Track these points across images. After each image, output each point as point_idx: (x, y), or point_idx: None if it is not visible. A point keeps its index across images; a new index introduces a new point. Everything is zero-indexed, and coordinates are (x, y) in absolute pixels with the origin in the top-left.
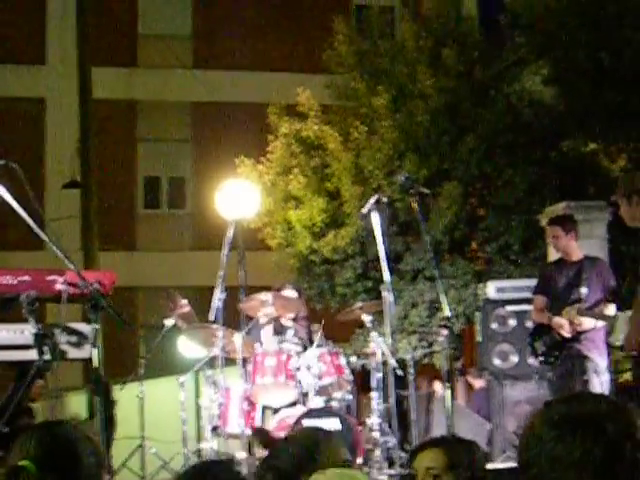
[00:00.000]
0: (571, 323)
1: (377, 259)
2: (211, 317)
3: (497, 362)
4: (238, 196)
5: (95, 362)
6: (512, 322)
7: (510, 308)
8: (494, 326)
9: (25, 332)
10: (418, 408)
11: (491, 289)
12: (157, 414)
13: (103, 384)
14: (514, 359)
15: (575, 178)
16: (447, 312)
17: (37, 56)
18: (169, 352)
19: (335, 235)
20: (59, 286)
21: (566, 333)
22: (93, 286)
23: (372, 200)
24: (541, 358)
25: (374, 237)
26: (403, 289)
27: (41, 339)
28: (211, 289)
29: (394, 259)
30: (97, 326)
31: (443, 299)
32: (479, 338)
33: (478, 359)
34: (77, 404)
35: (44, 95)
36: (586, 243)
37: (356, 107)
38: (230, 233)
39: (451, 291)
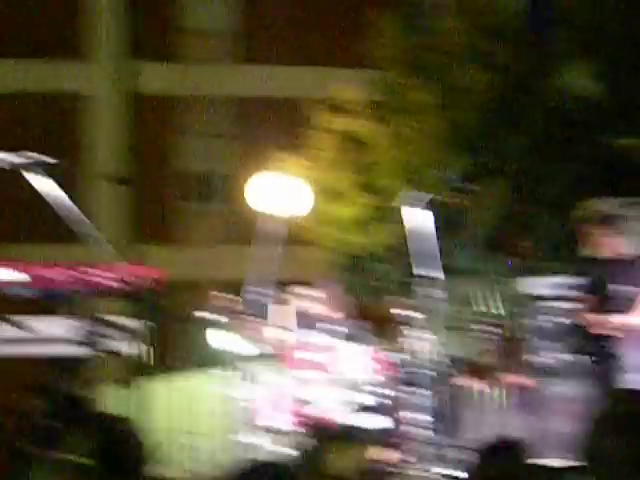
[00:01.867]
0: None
1: (423, 256)
2: (249, 310)
3: (543, 359)
4: (284, 192)
5: (144, 358)
6: (557, 319)
7: (555, 304)
8: (539, 323)
9: (74, 326)
10: (466, 406)
11: (535, 285)
12: (196, 408)
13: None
14: (560, 356)
15: (618, 174)
16: (500, 309)
17: (81, 51)
18: (199, 345)
19: (381, 231)
20: (107, 281)
21: (612, 332)
22: (145, 283)
23: (421, 198)
24: (587, 356)
25: (421, 234)
26: (452, 286)
27: (89, 334)
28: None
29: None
30: (149, 323)
31: (494, 296)
32: (524, 335)
33: (521, 357)
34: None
35: (90, 90)
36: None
37: (403, 103)
38: (266, 228)
39: (498, 288)
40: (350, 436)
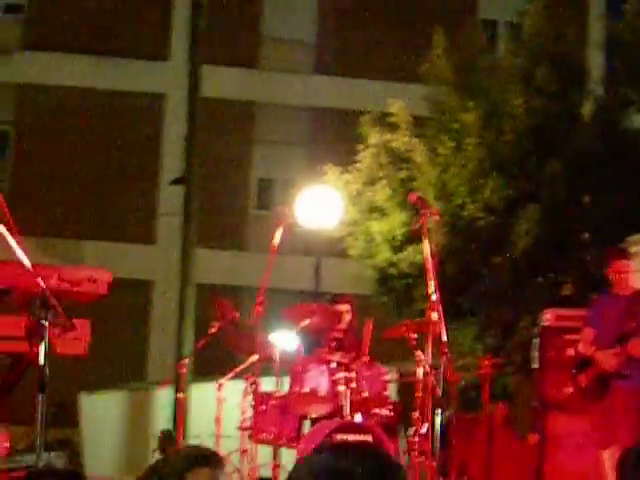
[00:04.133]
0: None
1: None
2: (255, 323)
3: (552, 391)
4: (320, 204)
5: (41, 360)
6: (570, 351)
7: (569, 337)
8: (551, 354)
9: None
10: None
11: (550, 316)
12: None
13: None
14: (569, 389)
15: None
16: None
17: (160, 52)
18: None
19: (414, 249)
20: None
21: (610, 368)
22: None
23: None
24: (583, 392)
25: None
26: (477, 310)
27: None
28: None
29: (473, 277)
30: (45, 323)
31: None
32: (535, 365)
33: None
34: None
35: (164, 91)
36: None
37: (447, 121)
38: (277, 237)
39: (527, 316)
40: None
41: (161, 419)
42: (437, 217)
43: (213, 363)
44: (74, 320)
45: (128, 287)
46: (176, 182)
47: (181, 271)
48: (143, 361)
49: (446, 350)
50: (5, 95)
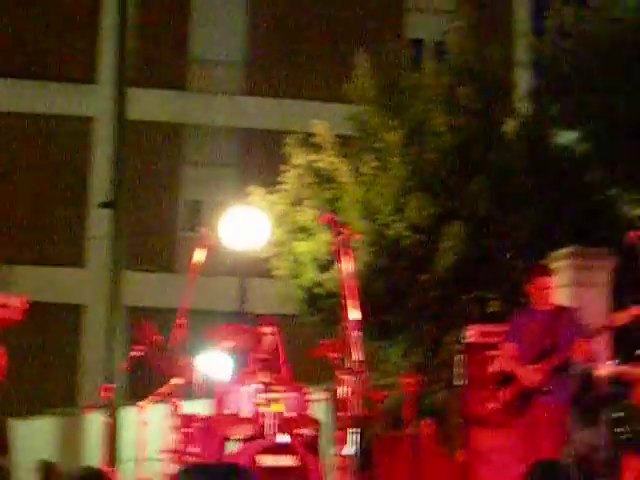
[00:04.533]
0: None
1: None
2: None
3: (475, 407)
4: (246, 224)
5: None
6: (492, 367)
7: (492, 353)
8: (474, 370)
9: None
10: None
11: (473, 332)
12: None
13: None
14: (492, 405)
15: (587, 222)
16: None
17: (88, 75)
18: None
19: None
20: None
21: (531, 384)
22: None
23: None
24: (506, 407)
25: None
26: (404, 327)
27: None
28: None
29: (399, 295)
30: None
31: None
32: (458, 382)
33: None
34: None
35: (92, 114)
36: (587, 290)
37: (371, 141)
38: (199, 258)
39: (453, 333)
40: None
41: (92, 444)
42: (357, 236)
43: (149, 386)
44: None
45: (59, 311)
46: (105, 205)
47: (109, 294)
48: (74, 386)
49: (362, 369)
50: None
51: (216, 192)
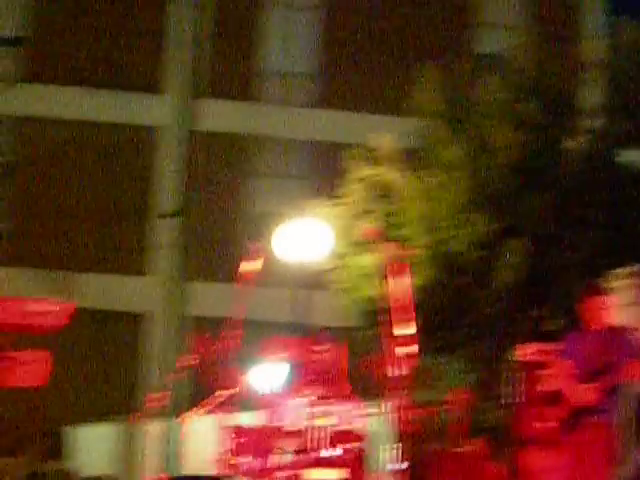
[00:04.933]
0: None
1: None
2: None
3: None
4: (308, 236)
5: None
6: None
7: (546, 371)
8: (527, 388)
9: None
10: None
11: (527, 351)
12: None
13: None
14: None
15: None
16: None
17: (155, 85)
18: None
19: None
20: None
21: (585, 403)
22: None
23: None
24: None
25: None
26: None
27: None
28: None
29: (458, 311)
30: None
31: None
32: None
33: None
34: None
35: (158, 124)
36: None
37: (436, 155)
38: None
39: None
40: None
41: (151, 452)
42: (411, 251)
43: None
44: (31, 352)
45: (120, 319)
46: (171, 215)
47: (172, 303)
48: (132, 394)
49: (406, 384)
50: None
51: (283, 204)
